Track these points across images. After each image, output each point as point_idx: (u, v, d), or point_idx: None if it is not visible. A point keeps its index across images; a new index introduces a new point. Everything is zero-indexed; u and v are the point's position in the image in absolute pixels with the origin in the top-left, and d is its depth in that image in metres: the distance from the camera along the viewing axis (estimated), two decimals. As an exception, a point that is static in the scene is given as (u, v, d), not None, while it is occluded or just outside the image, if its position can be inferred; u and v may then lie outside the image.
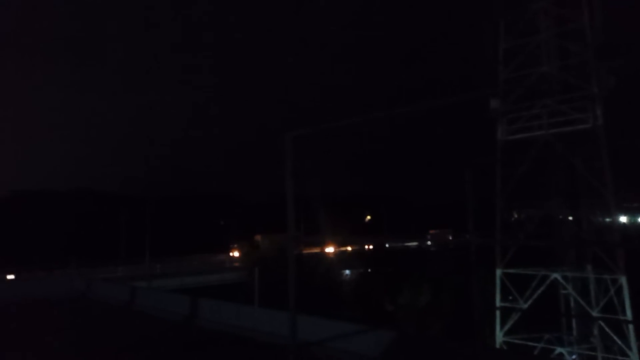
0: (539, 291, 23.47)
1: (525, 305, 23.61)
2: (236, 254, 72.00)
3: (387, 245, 60.71)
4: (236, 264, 56.82)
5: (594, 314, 22.33)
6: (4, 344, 11.39)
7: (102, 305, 16.76)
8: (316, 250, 57.85)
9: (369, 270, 39.75)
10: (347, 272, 41.57)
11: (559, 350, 23.32)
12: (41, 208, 77.32)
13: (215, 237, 74.36)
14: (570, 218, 24.30)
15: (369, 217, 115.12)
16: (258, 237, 73.86)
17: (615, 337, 21.74)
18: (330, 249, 62.42)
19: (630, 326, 21.38)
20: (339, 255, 55.58)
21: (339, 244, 63.62)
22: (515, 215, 26.36)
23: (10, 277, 42.40)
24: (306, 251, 50.95)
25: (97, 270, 53.23)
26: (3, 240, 64.40)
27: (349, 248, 63.26)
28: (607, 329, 22.15)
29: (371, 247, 60.54)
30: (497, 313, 24.55)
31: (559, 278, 23.35)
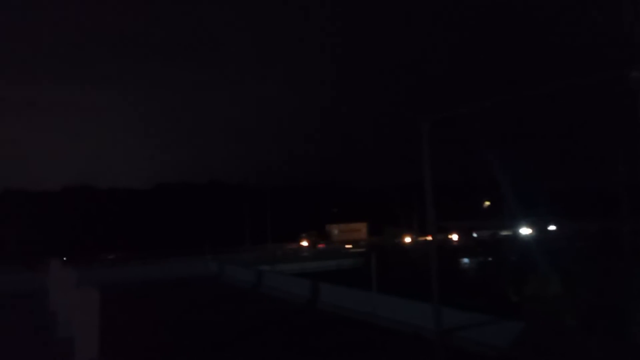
0: None
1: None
2: (304, 243, 71.67)
3: (506, 233, 57.01)
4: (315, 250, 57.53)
5: None
6: (150, 316, 12.73)
7: (233, 285, 18.04)
8: (439, 237, 56.31)
9: (489, 259, 37.58)
10: (466, 260, 39.71)
11: None
12: (180, 199, 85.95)
13: (295, 226, 75.60)
14: None
15: (487, 203, 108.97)
16: (329, 227, 74.30)
17: None
18: (454, 237, 60.43)
19: None
20: (462, 242, 53.58)
21: (463, 231, 61.32)
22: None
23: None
24: (422, 239, 49.74)
25: (226, 254, 58.26)
26: (149, 228, 72.92)
27: (475, 234, 60.58)
28: None
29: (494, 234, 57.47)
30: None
31: None
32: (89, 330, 7.09)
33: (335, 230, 73.28)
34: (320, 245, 67.20)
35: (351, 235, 70.79)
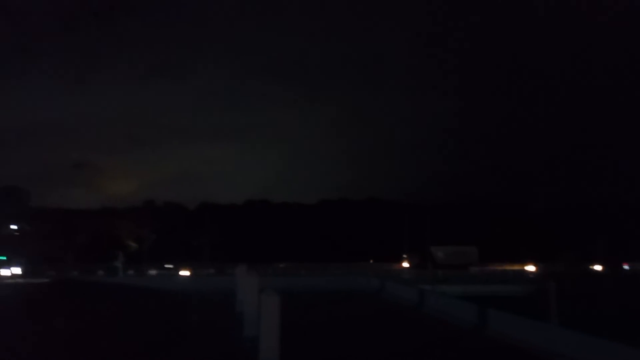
0: None
1: None
2: (405, 264, 67.02)
3: None
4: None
5: None
6: (314, 328, 13.33)
7: (394, 303, 17.97)
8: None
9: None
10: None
11: None
12: (340, 215, 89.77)
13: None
14: None
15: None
16: (433, 249, 66.88)
17: None
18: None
19: None
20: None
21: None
22: None
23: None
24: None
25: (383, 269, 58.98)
26: (313, 241, 77.44)
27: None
28: None
29: None
30: None
31: None
32: (272, 331, 7.74)
33: (439, 252, 66.80)
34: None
35: (459, 259, 64.14)
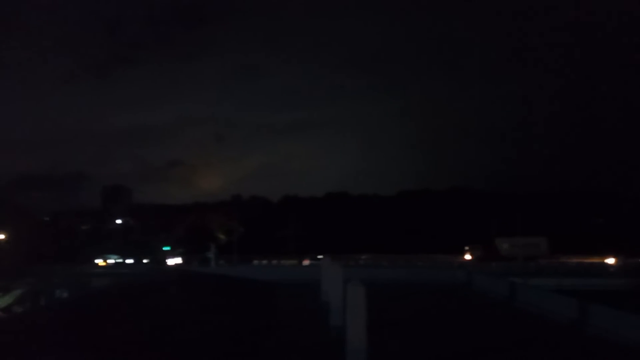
0: None
1: None
2: (467, 257, 63.44)
3: None
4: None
5: None
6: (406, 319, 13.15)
7: (483, 297, 17.21)
8: None
9: None
10: None
11: None
12: (421, 205, 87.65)
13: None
14: None
15: None
16: (498, 240, 63.23)
17: None
18: None
19: None
20: None
21: None
22: None
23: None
24: None
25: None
26: (391, 232, 76.42)
27: None
28: None
29: None
30: None
31: None
32: (359, 321, 7.77)
33: (504, 244, 63.43)
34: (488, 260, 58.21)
35: (525, 250, 60.01)
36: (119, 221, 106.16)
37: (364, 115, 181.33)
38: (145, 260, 64.63)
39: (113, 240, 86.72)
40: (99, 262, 64.73)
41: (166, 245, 73.98)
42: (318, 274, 15.93)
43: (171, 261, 63.05)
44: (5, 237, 76.90)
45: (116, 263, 65.65)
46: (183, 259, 63.63)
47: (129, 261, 65.32)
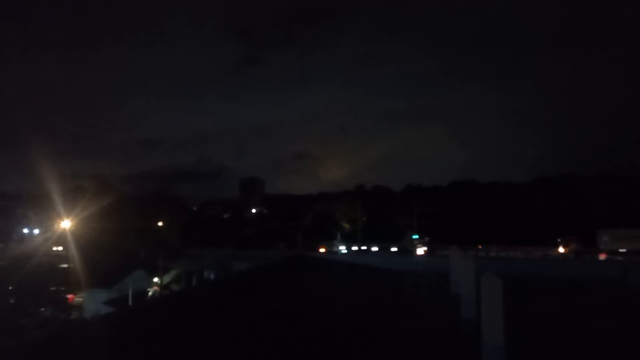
0: None
1: None
2: (561, 249, 58.07)
3: None
4: None
5: None
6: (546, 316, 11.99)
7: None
8: None
9: None
10: None
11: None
12: (562, 192, 79.24)
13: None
14: None
15: None
16: (600, 232, 56.53)
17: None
18: None
19: None
20: None
21: None
22: None
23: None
24: None
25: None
26: (526, 222, 70.29)
27: None
28: None
29: None
30: None
31: None
32: (495, 315, 7.28)
33: (605, 236, 56.76)
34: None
35: (632, 244, 52.77)
36: (254, 210, 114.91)
37: (492, 99, 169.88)
38: (393, 249, 62.40)
39: (252, 227, 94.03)
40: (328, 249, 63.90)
41: (414, 233, 70.94)
42: (444, 264, 15.35)
43: (420, 250, 61.74)
44: (163, 224, 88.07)
45: (351, 250, 62.77)
46: (427, 249, 61.50)
47: (374, 249, 63.21)
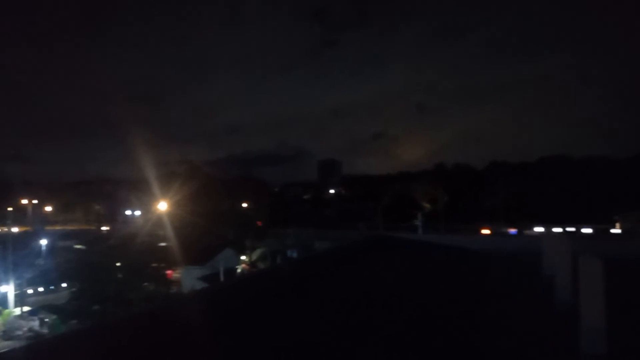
0: None
1: None
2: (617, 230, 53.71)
3: None
4: None
5: None
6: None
7: None
8: None
9: None
10: None
11: None
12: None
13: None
14: None
15: None
16: None
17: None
18: None
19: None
20: None
21: None
22: None
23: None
24: None
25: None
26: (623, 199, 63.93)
27: None
28: None
29: None
30: None
31: None
32: (595, 298, 6.77)
33: None
34: None
35: None
36: (332, 191, 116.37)
37: (582, 69, 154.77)
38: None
39: (331, 208, 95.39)
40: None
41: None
42: (535, 244, 14.50)
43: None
44: (249, 205, 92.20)
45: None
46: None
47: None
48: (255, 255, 61.85)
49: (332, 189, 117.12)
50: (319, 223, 76.55)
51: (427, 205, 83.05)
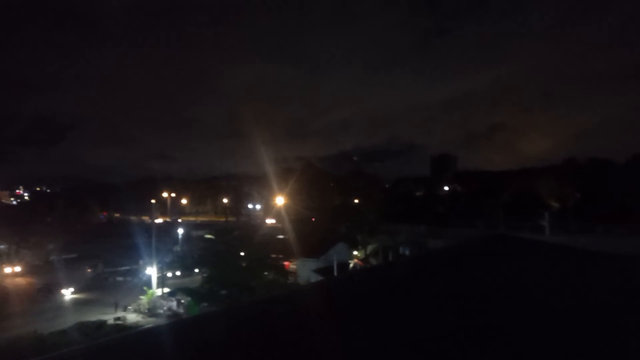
0: None
1: None
2: None
3: None
4: None
5: None
6: None
7: None
8: None
9: None
10: None
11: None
12: None
13: None
14: None
15: None
16: None
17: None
18: None
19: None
20: None
21: None
22: None
23: None
24: None
25: None
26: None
27: None
28: None
29: None
30: None
31: None
32: None
33: None
34: None
35: None
36: (446, 187, 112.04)
37: None
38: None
39: (445, 205, 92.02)
40: None
41: None
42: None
43: None
44: (360, 201, 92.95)
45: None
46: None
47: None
48: (367, 250, 62.16)
49: (445, 185, 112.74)
50: (431, 220, 74.15)
51: (554, 204, 75.61)
